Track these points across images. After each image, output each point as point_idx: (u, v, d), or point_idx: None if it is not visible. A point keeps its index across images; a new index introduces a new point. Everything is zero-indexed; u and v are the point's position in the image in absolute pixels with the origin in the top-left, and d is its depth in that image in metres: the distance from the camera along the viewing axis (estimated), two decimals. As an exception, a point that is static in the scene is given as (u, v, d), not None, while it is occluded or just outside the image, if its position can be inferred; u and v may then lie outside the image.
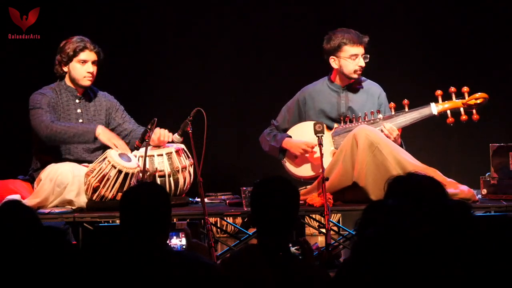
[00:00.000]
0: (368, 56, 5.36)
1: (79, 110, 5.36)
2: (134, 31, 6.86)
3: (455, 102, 5.30)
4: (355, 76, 5.40)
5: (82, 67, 5.28)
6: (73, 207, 5.01)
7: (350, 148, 5.04)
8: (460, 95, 5.31)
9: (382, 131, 5.19)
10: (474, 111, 5.28)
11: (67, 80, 5.35)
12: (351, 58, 5.36)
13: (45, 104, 5.22)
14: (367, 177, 4.96)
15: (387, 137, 5.16)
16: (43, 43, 6.40)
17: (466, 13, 6.81)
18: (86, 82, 5.31)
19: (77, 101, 5.37)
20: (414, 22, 6.85)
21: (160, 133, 5.21)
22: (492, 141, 5.30)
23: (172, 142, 5.25)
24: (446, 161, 6.65)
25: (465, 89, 5.30)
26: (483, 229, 2.10)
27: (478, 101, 5.28)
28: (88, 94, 5.41)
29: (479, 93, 5.30)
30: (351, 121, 5.38)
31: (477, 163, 6.10)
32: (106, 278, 2.47)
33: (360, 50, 5.36)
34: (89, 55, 5.29)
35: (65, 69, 5.32)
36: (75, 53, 5.27)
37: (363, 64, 5.37)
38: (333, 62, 5.42)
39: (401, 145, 5.26)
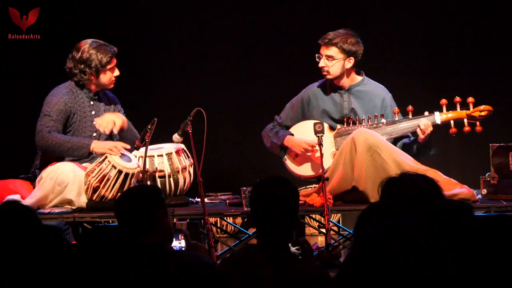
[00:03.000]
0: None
1: (93, 112, 5.35)
2: (134, 31, 6.86)
3: (459, 112, 5.29)
4: (323, 76, 5.42)
5: (111, 74, 5.30)
6: (73, 207, 5.02)
7: (349, 151, 5.04)
8: (465, 105, 5.30)
9: (418, 126, 5.20)
10: (477, 123, 5.27)
11: (91, 85, 5.31)
12: (319, 58, 5.39)
13: (55, 112, 5.18)
14: (367, 180, 4.96)
15: (422, 131, 5.18)
16: (43, 43, 6.41)
17: (468, 13, 6.81)
18: (112, 85, 5.37)
19: (91, 102, 5.36)
20: (421, 30, 6.84)
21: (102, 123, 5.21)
22: (492, 141, 5.29)
23: (172, 142, 5.25)
24: (446, 161, 6.65)
25: (470, 99, 5.28)
26: (483, 229, 2.10)
27: (482, 113, 5.27)
28: (99, 96, 5.42)
29: (484, 106, 5.27)
30: (354, 123, 5.37)
31: (477, 163, 6.10)
32: (105, 277, 2.47)
33: (322, 51, 5.36)
34: (115, 61, 5.32)
35: (93, 77, 5.28)
36: (107, 64, 5.25)
37: (325, 66, 5.35)
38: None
39: (429, 144, 5.27)
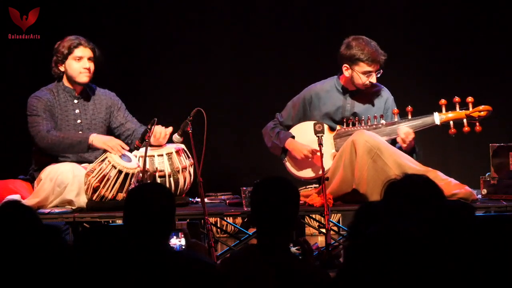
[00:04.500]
0: (382, 71, 5.32)
1: (77, 111, 5.34)
2: (134, 31, 6.86)
3: (459, 112, 5.28)
4: (363, 88, 5.37)
5: (78, 64, 5.26)
6: (73, 207, 5.02)
7: (349, 154, 5.03)
8: (464, 105, 5.29)
9: (398, 134, 5.18)
10: (477, 123, 5.26)
11: (65, 80, 5.33)
12: (364, 74, 5.30)
13: (42, 110, 5.20)
14: (368, 183, 4.95)
15: (403, 140, 5.15)
16: (43, 43, 6.40)
17: (471, 20, 6.81)
18: (83, 78, 5.29)
19: (75, 101, 5.35)
20: (421, 30, 6.83)
21: (156, 133, 5.20)
22: (492, 141, 5.29)
23: (172, 142, 5.25)
24: (446, 161, 6.65)
25: (470, 99, 5.27)
26: (483, 229, 2.11)
27: (482, 114, 5.26)
28: (86, 93, 5.40)
29: (483, 106, 5.26)
30: (354, 124, 5.36)
31: (477, 163, 6.10)
32: (104, 277, 2.47)
33: (375, 68, 5.29)
34: (84, 51, 5.27)
35: (62, 68, 5.30)
36: (70, 50, 5.25)
37: (375, 81, 5.32)
38: (346, 70, 5.35)
39: (414, 148, 5.25)
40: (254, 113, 6.75)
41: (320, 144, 5.03)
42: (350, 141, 5.05)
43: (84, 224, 4.95)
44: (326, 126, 5.32)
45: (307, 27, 6.83)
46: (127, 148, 5.17)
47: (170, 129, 5.25)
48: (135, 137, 5.35)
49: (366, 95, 5.44)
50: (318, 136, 5.05)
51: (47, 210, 4.96)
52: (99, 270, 2.42)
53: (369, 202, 2.65)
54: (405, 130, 5.18)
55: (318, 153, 5.07)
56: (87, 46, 5.27)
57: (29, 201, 4.97)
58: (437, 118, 5.27)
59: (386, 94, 5.47)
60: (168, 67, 6.90)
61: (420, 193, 2.79)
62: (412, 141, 5.19)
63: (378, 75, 5.32)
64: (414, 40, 6.85)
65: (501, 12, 6.78)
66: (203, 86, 6.90)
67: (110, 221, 5.11)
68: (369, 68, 5.28)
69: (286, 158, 5.45)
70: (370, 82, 5.31)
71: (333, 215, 5.94)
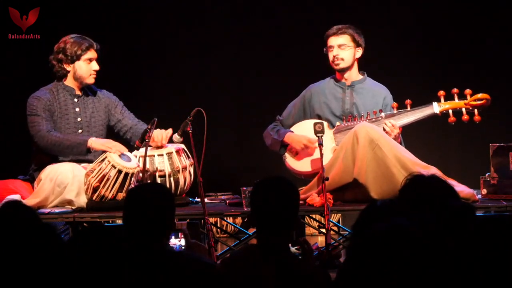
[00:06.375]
0: (361, 49, 5.37)
1: (77, 109, 5.35)
2: (134, 31, 6.86)
3: (457, 102, 5.29)
4: (335, 67, 5.45)
5: (88, 66, 5.31)
6: (73, 207, 5.02)
7: (351, 144, 5.04)
8: (462, 96, 5.30)
9: (383, 128, 5.19)
10: (476, 112, 5.26)
11: (67, 79, 5.34)
12: (329, 50, 5.43)
13: (41, 110, 5.22)
14: (368, 174, 4.96)
15: (388, 134, 5.17)
16: (43, 43, 6.40)
17: (468, 13, 6.81)
18: (92, 80, 5.34)
19: (75, 100, 5.36)
20: (418, 22, 6.84)
21: (156, 136, 5.21)
22: (492, 141, 5.29)
23: (172, 142, 5.26)
24: (446, 161, 6.65)
25: (468, 91, 5.29)
26: (483, 229, 2.11)
27: (480, 102, 5.27)
28: (86, 92, 5.41)
29: (481, 94, 5.28)
30: (353, 119, 5.38)
31: (477, 163, 6.10)
32: (104, 277, 2.47)
33: (334, 41, 5.41)
34: (93, 54, 5.33)
35: (68, 68, 5.31)
36: (82, 52, 5.28)
37: (338, 54, 5.39)
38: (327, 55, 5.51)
39: (400, 144, 5.26)
40: (254, 113, 6.76)
41: (320, 144, 5.03)
42: (353, 132, 5.07)
43: (84, 224, 4.95)
44: (325, 124, 5.32)
45: (307, 27, 6.83)
46: (126, 149, 5.18)
47: (170, 131, 5.26)
48: (132, 133, 5.37)
49: (364, 90, 5.48)
50: (318, 136, 5.05)
51: (47, 210, 4.96)
52: (98, 270, 2.42)
53: (374, 201, 2.65)
54: (390, 124, 5.20)
55: (316, 144, 5.08)
56: (94, 48, 5.32)
57: (29, 201, 4.97)
58: (436, 107, 5.29)
59: (384, 92, 5.52)
60: (168, 67, 6.90)
61: (436, 195, 2.79)
62: (398, 136, 5.20)
63: (358, 51, 5.41)
64: (414, 39, 6.85)
65: (501, 12, 6.77)
66: (203, 86, 6.90)
67: (110, 221, 5.11)
68: (330, 42, 5.42)
69: (286, 154, 5.46)
70: (334, 56, 5.40)
71: (333, 215, 5.94)
